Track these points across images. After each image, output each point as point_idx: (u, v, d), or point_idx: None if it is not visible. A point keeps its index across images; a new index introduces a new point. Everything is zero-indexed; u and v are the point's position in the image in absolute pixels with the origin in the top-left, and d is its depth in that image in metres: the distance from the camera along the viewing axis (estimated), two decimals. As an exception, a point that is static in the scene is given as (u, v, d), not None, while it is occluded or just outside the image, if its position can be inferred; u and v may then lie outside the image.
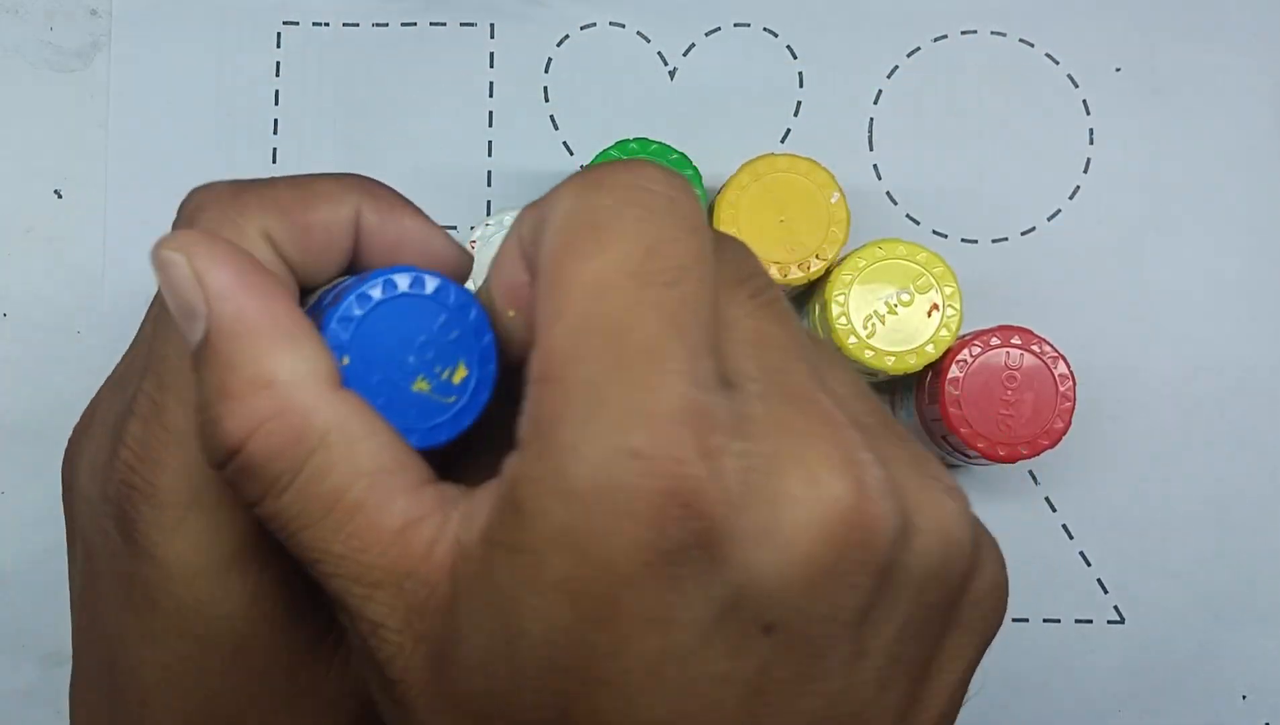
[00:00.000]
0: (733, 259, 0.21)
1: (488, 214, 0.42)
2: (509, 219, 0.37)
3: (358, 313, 0.22)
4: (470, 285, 0.29)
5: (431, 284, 0.23)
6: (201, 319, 0.21)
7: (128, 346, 0.28)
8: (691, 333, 0.19)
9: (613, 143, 0.37)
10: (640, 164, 0.21)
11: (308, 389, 0.21)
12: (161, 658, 0.24)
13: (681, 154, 0.37)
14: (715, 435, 0.19)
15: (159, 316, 0.25)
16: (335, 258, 0.25)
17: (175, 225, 0.25)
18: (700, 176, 0.37)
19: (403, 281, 0.22)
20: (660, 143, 0.37)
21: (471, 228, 0.38)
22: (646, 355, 0.19)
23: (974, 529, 0.23)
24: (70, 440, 0.28)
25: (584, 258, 0.20)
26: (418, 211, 0.26)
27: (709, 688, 0.19)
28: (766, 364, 0.20)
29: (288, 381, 0.21)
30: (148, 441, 0.24)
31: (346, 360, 0.22)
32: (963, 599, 0.22)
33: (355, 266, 0.26)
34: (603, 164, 0.21)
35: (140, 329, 0.27)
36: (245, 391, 0.21)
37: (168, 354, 0.24)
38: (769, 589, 0.19)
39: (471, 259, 0.27)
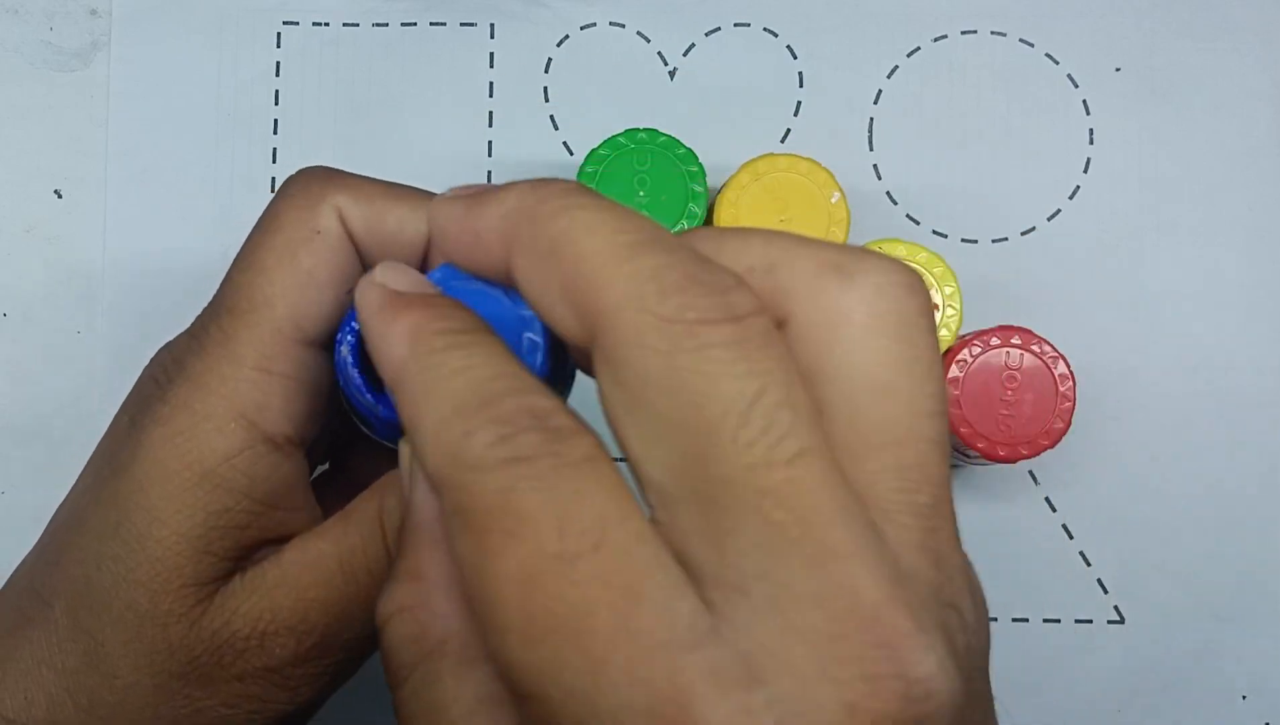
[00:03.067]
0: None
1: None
2: None
3: None
4: None
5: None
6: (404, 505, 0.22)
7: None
8: (649, 588, 0.17)
9: (621, 131, 0.37)
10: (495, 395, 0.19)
11: (443, 593, 0.21)
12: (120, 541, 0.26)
13: (689, 149, 0.37)
14: (732, 695, 0.17)
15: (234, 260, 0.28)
16: (404, 254, 0.27)
17: (272, 200, 0.28)
18: (704, 173, 0.37)
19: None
20: (669, 136, 0.37)
21: None
22: (610, 642, 0.17)
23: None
24: None
25: (490, 557, 0.18)
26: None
27: None
28: (772, 568, 0.18)
29: (434, 580, 0.21)
30: (184, 352, 0.27)
31: None
32: None
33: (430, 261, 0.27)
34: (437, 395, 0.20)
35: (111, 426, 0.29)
36: (401, 576, 0.22)
37: (225, 290, 0.28)
38: None
39: None
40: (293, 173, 0.28)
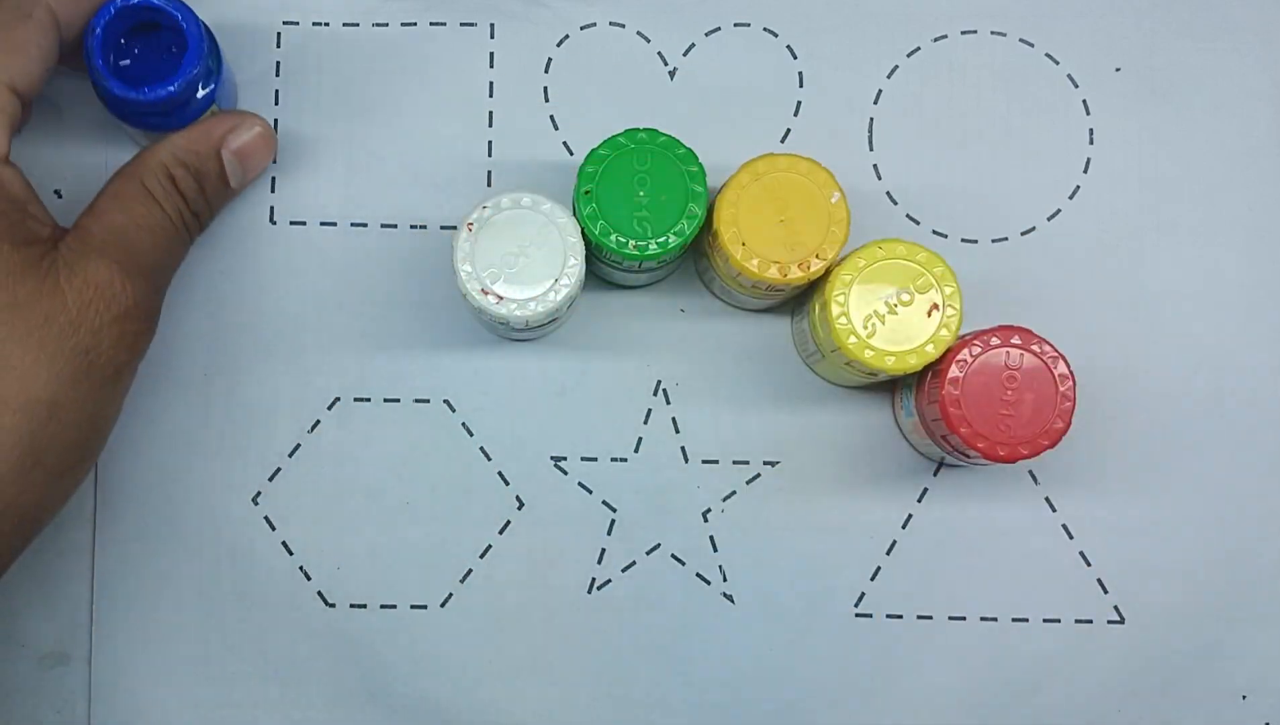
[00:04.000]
0: None
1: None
2: (506, 201, 0.37)
3: None
4: (469, 268, 0.38)
5: None
6: None
7: None
8: None
9: (621, 131, 0.37)
10: None
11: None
12: None
13: (689, 149, 0.37)
14: None
15: None
16: (48, 52, 0.37)
17: None
18: (704, 173, 0.37)
19: None
20: (669, 136, 0.37)
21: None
22: None
23: None
24: None
25: None
26: None
27: None
28: None
29: None
30: None
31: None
32: None
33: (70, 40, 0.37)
34: None
35: None
36: None
37: None
38: None
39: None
40: None
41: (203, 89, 0.39)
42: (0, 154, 0.36)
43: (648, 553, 0.42)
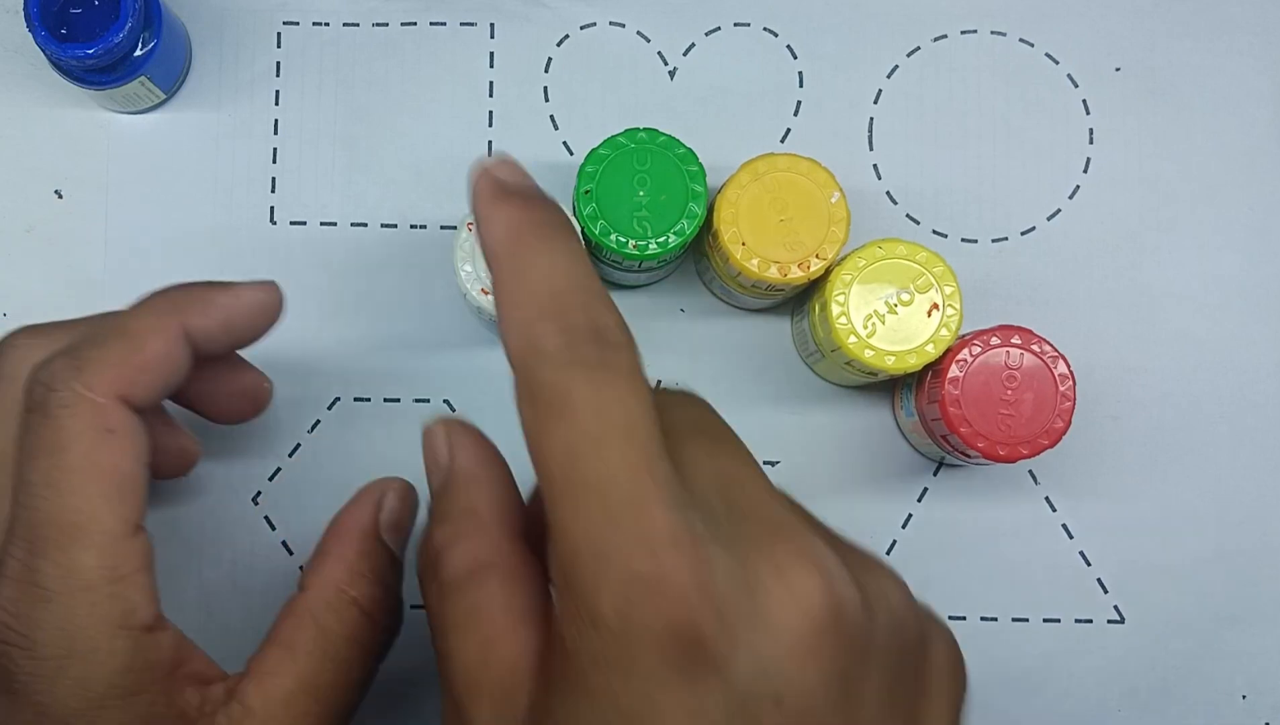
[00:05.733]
0: (689, 414, 0.26)
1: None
2: None
3: None
4: (469, 268, 0.37)
5: None
6: (443, 472, 0.29)
7: None
8: (658, 468, 0.23)
9: (621, 130, 0.37)
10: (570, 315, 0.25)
11: (497, 526, 0.27)
12: None
13: (689, 149, 0.37)
14: (702, 550, 0.22)
15: (20, 490, 0.28)
16: (181, 367, 0.30)
17: (28, 409, 0.28)
18: (704, 173, 0.37)
19: None
20: (669, 135, 0.37)
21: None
22: (630, 504, 0.23)
23: (917, 607, 0.26)
24: None
25: (548, 428, 0.24)
26: (226, 286, 0.32)
27: None
28: (731, 495, 0.24)
29: (487, 517, 0.28)
30: (21, 601, 0.27)
31: None
32: (926, 667, 0.26)
33: (200, 352, 0.31)
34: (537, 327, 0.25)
35: None
36: (456, 515, 0.28)
37: (36, 522, 0.27)
38: (770, 667, 0.22)
39: (276, 287, 0.34)
40: (34, 372, 0.29)
41: (142, 48, 0.39)
42: (143, 619, 0.29)
43: (648, 553, 0.42)
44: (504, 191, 0.26)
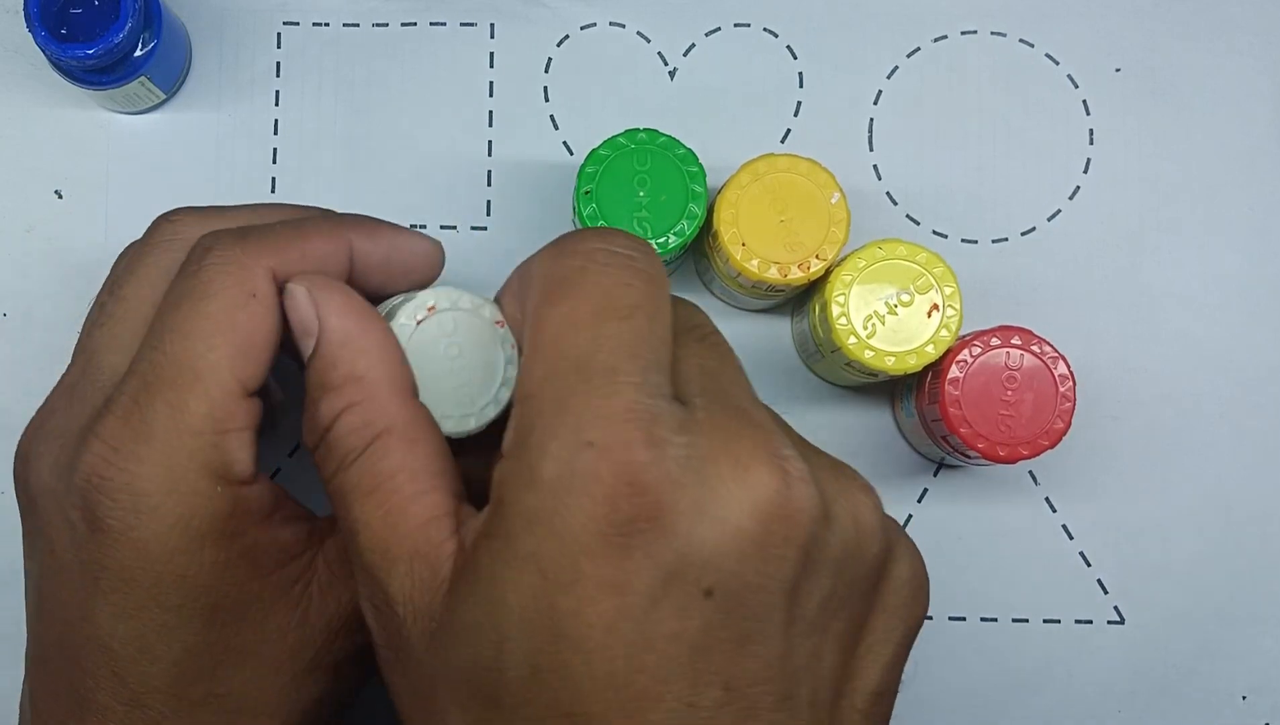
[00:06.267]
0: (685, 312, 0.27)
1: (487, 213, 0.42)
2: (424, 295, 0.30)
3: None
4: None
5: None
6: (314, 336, 0.28)
7: (72, 356, 0.32)
8: (643, 353, 0.24)
9: (621, 131, 0.37)
10: (609, 232, 0.26)
11: (386, 388, 0.27)
12: (135, 630, 0.28)
13: (689, 149, 0.37)
14: (660, 430, 0.23)
15: (151, 334, 0.29)
16: (336, 274, 0.30)
17: (185, 266, 0.30)
18: (704, 173, 0.37)
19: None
20: (669, 136, 0.37)
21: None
22: (604, 373, 0.23)
23: (886, 521, 0.26)
24: (22, 442, 0.31)
25: (554, 304, 0.24)
26: (396, 226, 0.33)
27: (660, 645, 0.22)
28: (709, 387, 0.25)
29: (373, 380, 0.27)
30: (124, 436, 0.28)
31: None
32: (884, 583, 0.26)
33: (353, 281, 0.31)
34: (576, 232, 0.26)
35: (80, 340, 0.32)
36: (340, 383, 0.27)
37: (158, 362, 0.28)
38: (706, 557, 0.22)
39: (440, 246, 0.33)
40: (202, 239, 0.30)
41: (142, 48, 0.39)
42: (241, 474, 0.29)
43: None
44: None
